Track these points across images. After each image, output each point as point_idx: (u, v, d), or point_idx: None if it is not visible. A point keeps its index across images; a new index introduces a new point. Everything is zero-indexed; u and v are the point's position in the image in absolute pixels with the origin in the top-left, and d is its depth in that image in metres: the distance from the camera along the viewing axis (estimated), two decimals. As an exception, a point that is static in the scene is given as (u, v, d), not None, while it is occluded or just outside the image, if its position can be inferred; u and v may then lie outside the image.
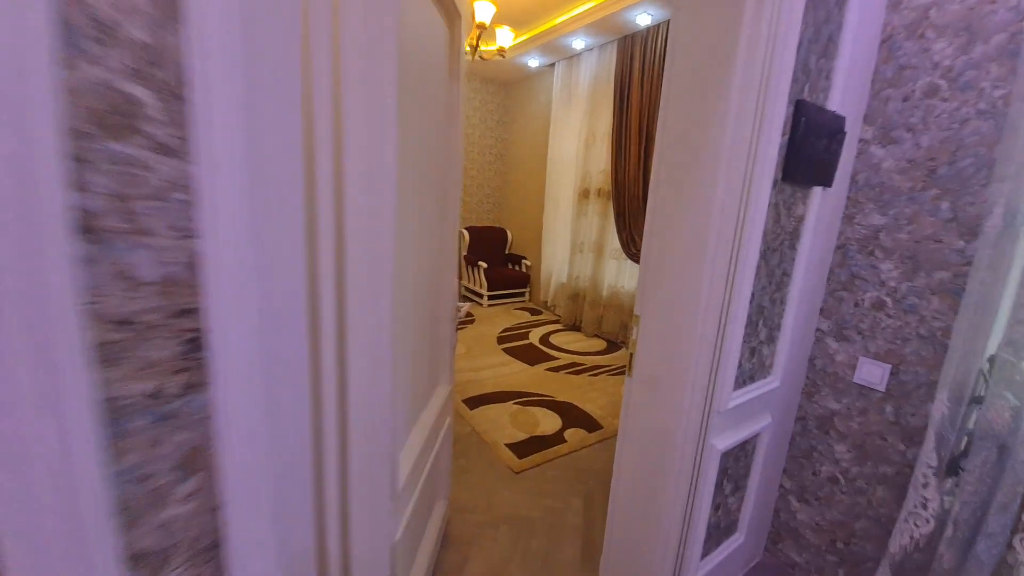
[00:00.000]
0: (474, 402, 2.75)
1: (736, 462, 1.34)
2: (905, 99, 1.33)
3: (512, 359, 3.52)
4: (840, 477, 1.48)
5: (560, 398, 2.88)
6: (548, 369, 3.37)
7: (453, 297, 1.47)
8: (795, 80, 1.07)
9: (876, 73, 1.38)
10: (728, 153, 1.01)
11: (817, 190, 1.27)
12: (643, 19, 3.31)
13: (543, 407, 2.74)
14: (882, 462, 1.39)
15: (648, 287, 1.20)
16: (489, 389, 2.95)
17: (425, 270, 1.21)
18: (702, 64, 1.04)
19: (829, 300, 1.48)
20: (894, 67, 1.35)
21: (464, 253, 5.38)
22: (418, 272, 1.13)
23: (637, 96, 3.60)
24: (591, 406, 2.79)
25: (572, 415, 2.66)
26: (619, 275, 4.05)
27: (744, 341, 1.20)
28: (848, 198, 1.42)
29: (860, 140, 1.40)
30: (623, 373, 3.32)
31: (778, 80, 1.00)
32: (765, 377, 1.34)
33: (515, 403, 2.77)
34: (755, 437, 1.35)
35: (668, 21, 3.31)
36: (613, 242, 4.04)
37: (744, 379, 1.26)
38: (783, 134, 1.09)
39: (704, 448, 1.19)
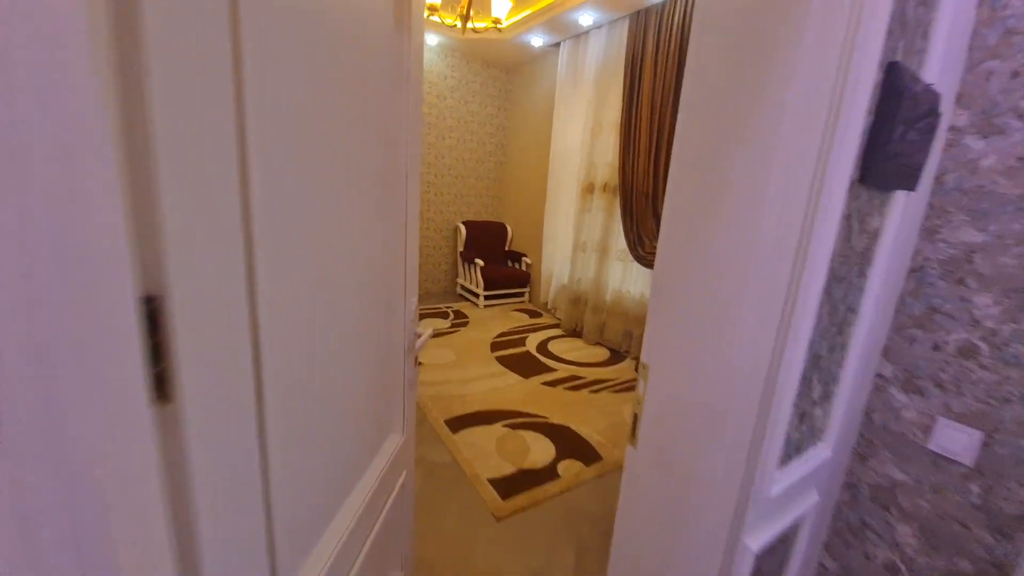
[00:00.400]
0: (458, 423, 2.44)
1: (772, 556, 1.02)
2: (1015, 75, 0.97)
3: (505, 370, 3.21)
4: (901, 566, 1.15)
5: (555, 419, 2.56)
6: (544, 383, 3.05)
7: (410, 323, 1.15)
8: (889, 33, 0.72)
9: (974, 38, 1.02)
10: (787, 144, 0.67)
11: (900, 195, 0.92)
12: (659, -9, 2.92)
13: (535, 430, 2.43)
14: (960, 555, 1.06)
15: (660, 328, 0.87)
16: (476, 407, 2.64)
17: (366, 291, 0.89)
18: (753, 8, 0.69)
19: (896, 339, 1.14)
20: (999, 30, 0.99)
21: (460, 249, 5.05)
22: (353, 296, 0.81)
23: (650, 80, 3.23)
24: (589, 429, 2.47)
25: (567, 442, 2.34)
26: (625, 278, 3.71)
27: (794, 404, 0.87)
28: (930, 205, 1.08)
29: (950, 128, 1.05)
30: (627, 390, 3.02)
31: (869, 31, 0.66)
32: (815, 445, 1.01)
33: (504, 424, 2.46)
34: (798, 524, 1.03)
35: (687, -6, 2.92)
36: (619, 242, 3.69)
37: (790, 452, 0.93)
38: (868, 113, 0.74)
39: (735, 549, 0.87)
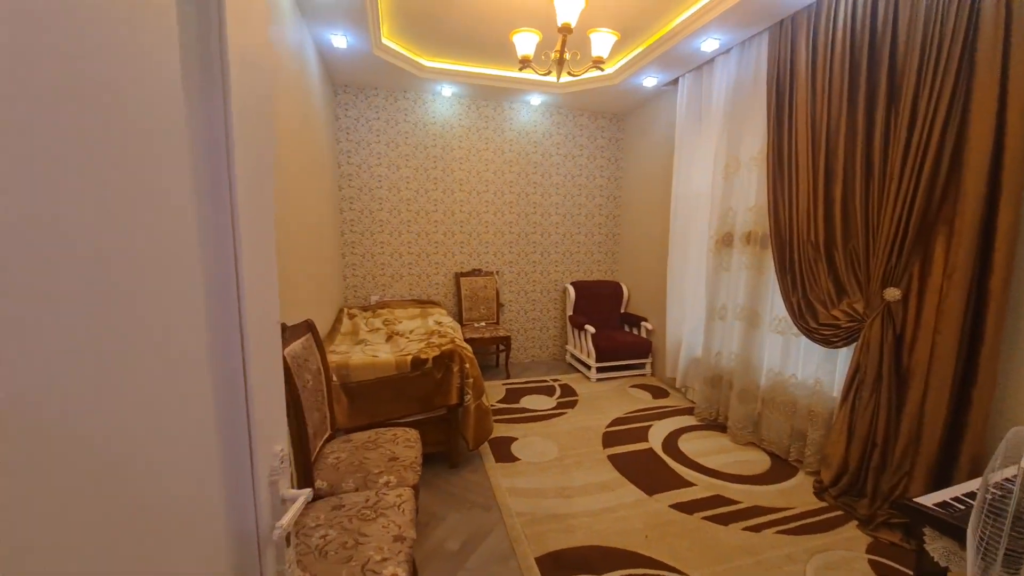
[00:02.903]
0: (555, 566, 1.81)
1: None
2: None
3: (622, 478, 2.49)
4: None
5: (695, 579, 1.75)
6: (676, 505, 2.24)
7: (266, 498, 0.65)
8: None
9: None
10: None
11: None
12: (814, -15, 2.23)
13: (665, 599, 1.66)
14: None
15: None
16: (580, 538, 1.98)
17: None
18: None
19: None
20: None
21: (569, 312, 4.54)
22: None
23: (806, 98, 2.45)
24: (754, 609, 1.61)
25: (718, 632, 1.52)
26: (787, 357, 2.74)
27: None
28: None
29: None
30: (807, 531, 1.88)
31: None
32: None
33: (618, 579, 1.75)
34: None
35: (859, -21, 2.17)
36: (775, 308, 2.78)
37: None
38: None
39: None
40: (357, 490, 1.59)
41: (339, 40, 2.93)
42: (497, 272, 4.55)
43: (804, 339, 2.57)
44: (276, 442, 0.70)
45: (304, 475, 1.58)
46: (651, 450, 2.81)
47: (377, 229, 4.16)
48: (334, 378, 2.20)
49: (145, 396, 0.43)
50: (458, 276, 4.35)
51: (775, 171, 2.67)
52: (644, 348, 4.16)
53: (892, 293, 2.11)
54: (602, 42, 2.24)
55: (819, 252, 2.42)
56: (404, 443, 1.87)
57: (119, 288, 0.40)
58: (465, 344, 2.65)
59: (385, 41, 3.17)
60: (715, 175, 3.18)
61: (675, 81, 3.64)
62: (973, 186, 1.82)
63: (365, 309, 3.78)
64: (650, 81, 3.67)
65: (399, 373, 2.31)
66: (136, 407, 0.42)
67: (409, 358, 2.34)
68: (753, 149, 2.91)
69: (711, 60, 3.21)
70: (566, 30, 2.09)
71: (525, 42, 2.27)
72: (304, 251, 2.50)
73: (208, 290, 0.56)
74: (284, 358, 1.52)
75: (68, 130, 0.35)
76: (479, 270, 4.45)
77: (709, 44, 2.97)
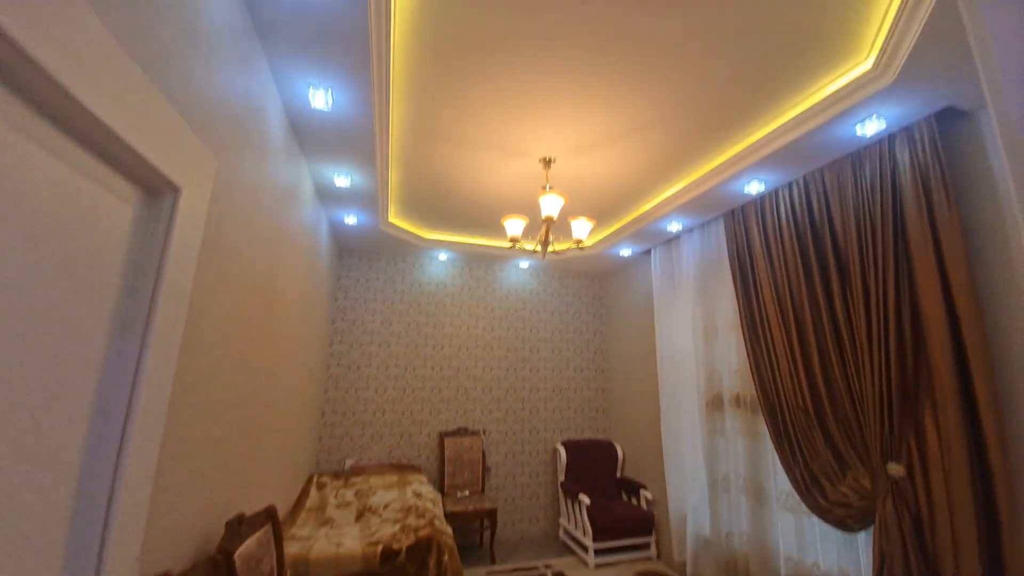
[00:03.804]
0: None
1: None
2: None
3: None
4: None
5: None
6: None
7: None
8: None
9: None
10: None
11: None
12: (753, 187, 2.69)
13: None
14: None
15: None
16: None
17: None
18: None
19: None
20: None
21: (561, 479, 4.17)
22: None
23: (767, 273, 2.72)
24: None
25: None
26: (803, 540, 2.45)
27: None
28: None
29: None
30: None
31: None
32: None
33: None
34: None
35: (788, 185, 2.63)
36: (780, 481, 2.60)
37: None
38: None
39: None
40: None
41: (351, 219, 3.32)
42: (484, 431, 4.32)
43: (817, 519, 2.34)
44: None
45: None
46: (668, 672, 2.28)
47: (363, 385, 4.07)
48: None
49: None
50: (442, 436, 4.11)
51: (751, 337, 2.79)
52: (646, 523, 3.72)
53: (896, 469, 2.01)
54: (581, 228, 2.57)
55: (811, 419, 2.38)
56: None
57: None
58: (445, 527, 2.35)
59: (391, 220, 3.60)
60: (695, 338, 3.31)
61: (649, 251, 4.07)
62: (941, 360, 1.89)
63: (337, 476, 3.44)
64: (625, 251, 4.11)
65: (366, 568, 1.97)
66: None
67: (379, 549, 2.03)
68: (728, 315, 3.10)
69: (678, 236, 3.66)
70: (549, 220, 2.41)
71: (514, 226, 2.60)
72: (283, 419, 2.39)
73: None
74: (234, 561, 1.31)
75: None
76: (465, 429, 4.23)
77: (674, 225, 3.42)
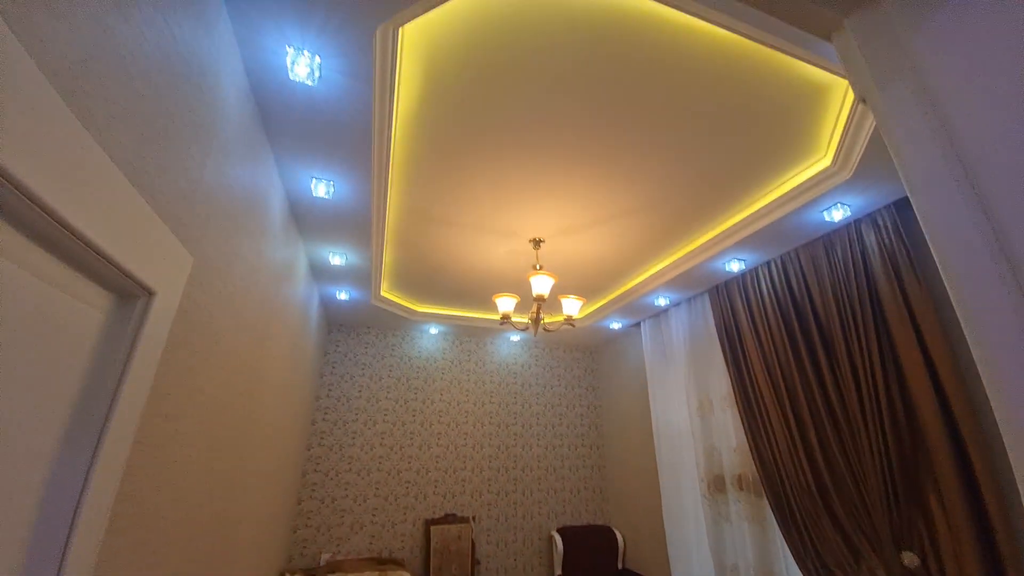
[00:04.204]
0: None
1: None
2: None
3: None
4: None
5: None
6: None
7: None
8: None
9: None
10: None
11: None
12: (734, 266, 2.81)
13: None
14: None
15: None
16: None
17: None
18: None
19: None
20: None
21: (558, 572, 3.84)
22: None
23: (755, 347, 2.76)
24: None
25: None
26: (826, 643, 2.24)
27: None
28: None
29: None
30: None
31: None
32: None
33: None
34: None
35: (767, 264, 2.76)
36: (791, 571, 2.43)
37: None
38: None
39: None
40: None
41: (343, 295, 3.34)
42: (474, 518, 4.03)
43: (838, 619, 2.16)
44: None
45: None
46: None
47: (345, 467, 3.84)
48: None
49: None
50: (428, 523, 3.81)
51: (746, 412, 2.76)
52: (652, 623, 3.38)
53: (910, 559, 1.90)
54: (572, 306, 2.62)
55: (816, 501, 2.29)
56: None
57: None
58: (431, 637, 2.10)
59: (383, 293, 3.64)
60: (691, 413, 3.26)
61: (638, 324, 4.12)
62: (935, 435, 1.87)
63: (310, 572, 3.12)
64: (615, 324, 4.15)
65: None
66: None
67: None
68: (721, 389, 3.08)
69: (666, 310, 3.73)
70: (540, 299, 2.47)
71: (505, 304, 2.64)
72: (257, 509, 2.22)
73: None
74: None
75: None
76: (453, 515, 3.94)
77: (661, 300, 3.50)
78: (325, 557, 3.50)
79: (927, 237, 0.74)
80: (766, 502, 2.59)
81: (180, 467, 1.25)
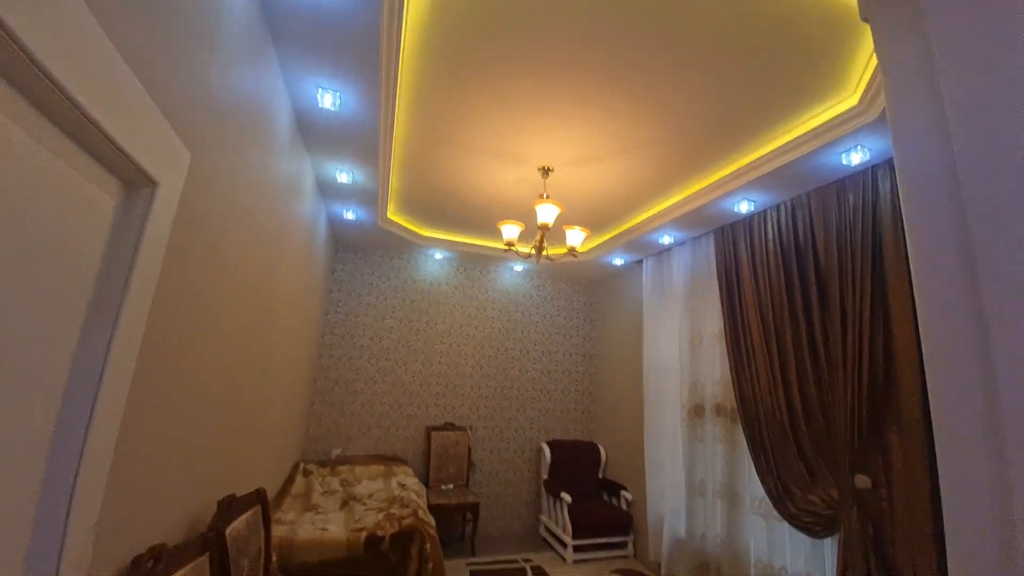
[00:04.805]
0: None
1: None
2: None
3: None
4: None
5: None
6: None
7: None
8: None
9: None
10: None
11: None
12: (744, 206, 2.78)
13: None
14: None
15: None
16: None
17: None
18: None
19: None
20: None
21: (544, 476, 4.27)
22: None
23: (751, 290, 2.83)
24: None
25: None
26: (773, 545, 2.57)
27: None
28: None
29: None
30: None
31: None
32: None
33: None
34: None
35: (776, 207, 2.74)
36: (754, 487, 2.71)
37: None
38: None
39: None
40: None
41: (349, 214, 3.36)
42: (471, 428, 4.40)
43: (788, 525, 2.45)
44: None
45: None
46: (636, 667, 2.38)
47: (352, 377, 4.12)
48: (274, 558, 1.93)
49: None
50: (429, 430, 4.18)
51: (734, 350, 2.90)
52: (624, 523, 3.83)
53: (862, 480, 2.12)
54: (575, 236, 2.64)
55: (786, 431, 2.49)
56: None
57: None
58: (428, 519, 2.43)
59: (389, 216, 3.65)
60: (681, 347, 3.42)
61: (640, 261, 4.17)
62: (908, 383, 2.00)
63: (324, 465, 3.50)
64: (618, 260, 4.19)
65: (350, 554, 2.04)
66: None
67: (363, 535, 2.10)
68: (714, 326, 3.20)
69: (669, 249, 3.75)
70: (544, 228, 2.49)
71: (510, 231, 2.67)
72: (274, 406, 2.44)
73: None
74: (225, 538, 1.38)
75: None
76: (452, 424, 4.30)
77: (666, 238, 3.51)
78: (335, 453, 3.89)
79: (896, 163, 0.79)
80: (739, 428, 2.81)
81: (202, 364, 1.38)
